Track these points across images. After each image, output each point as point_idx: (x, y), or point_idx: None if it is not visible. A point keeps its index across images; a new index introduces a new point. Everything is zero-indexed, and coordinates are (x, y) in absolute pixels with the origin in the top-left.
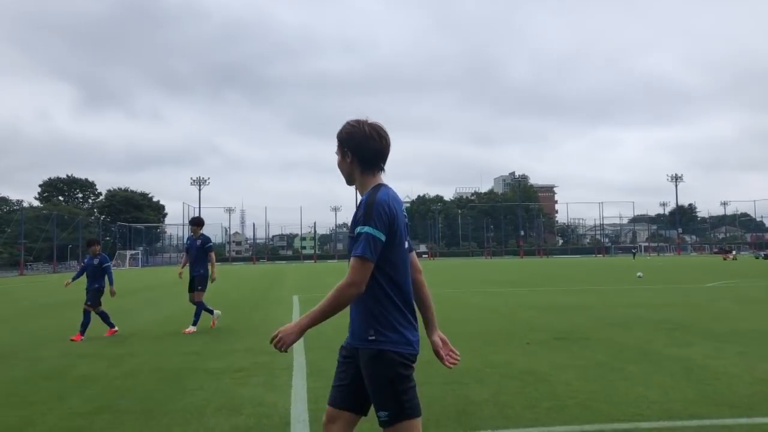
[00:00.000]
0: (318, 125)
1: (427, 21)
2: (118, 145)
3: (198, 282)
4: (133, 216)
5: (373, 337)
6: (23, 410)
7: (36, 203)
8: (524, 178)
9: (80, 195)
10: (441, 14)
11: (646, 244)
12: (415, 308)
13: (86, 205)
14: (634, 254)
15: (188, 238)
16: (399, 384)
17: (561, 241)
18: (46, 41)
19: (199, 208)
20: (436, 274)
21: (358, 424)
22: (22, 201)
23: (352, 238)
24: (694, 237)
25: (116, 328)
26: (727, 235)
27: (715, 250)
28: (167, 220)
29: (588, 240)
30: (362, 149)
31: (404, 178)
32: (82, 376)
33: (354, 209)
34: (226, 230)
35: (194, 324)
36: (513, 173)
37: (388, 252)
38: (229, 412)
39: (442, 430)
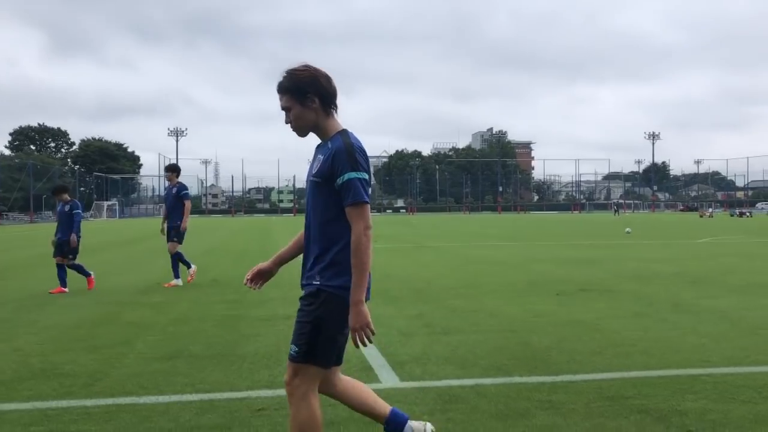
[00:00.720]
0: None
1: None
2: (89, 93)
3: (174, 233)
4: (108, 167)
5: (318, 281)
6: (96, 354)
7: (6, 152)
8: (502, 134)
9: (53, 144)
10: None
11: (621, 201)
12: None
13: (59, 155)
14: (616, 211)
15: (165, 188)
16: (324, 328)
17: (536, 198)
18: None
19: (177, 159)
20: (427, 228)
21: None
22: None
23: (316, 183)
24: (667, 195)
25: (92, 274)
26: (700, 193)
27: (681, 207)
28: (142, 171)
29: (563, 196)
30: (325, 91)
31: (381, 132)
32: (133, 323)
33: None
34: (202, 182)
35: (176, 276)
36: (491, 129)
37: None
38: None
39: (525, 377)
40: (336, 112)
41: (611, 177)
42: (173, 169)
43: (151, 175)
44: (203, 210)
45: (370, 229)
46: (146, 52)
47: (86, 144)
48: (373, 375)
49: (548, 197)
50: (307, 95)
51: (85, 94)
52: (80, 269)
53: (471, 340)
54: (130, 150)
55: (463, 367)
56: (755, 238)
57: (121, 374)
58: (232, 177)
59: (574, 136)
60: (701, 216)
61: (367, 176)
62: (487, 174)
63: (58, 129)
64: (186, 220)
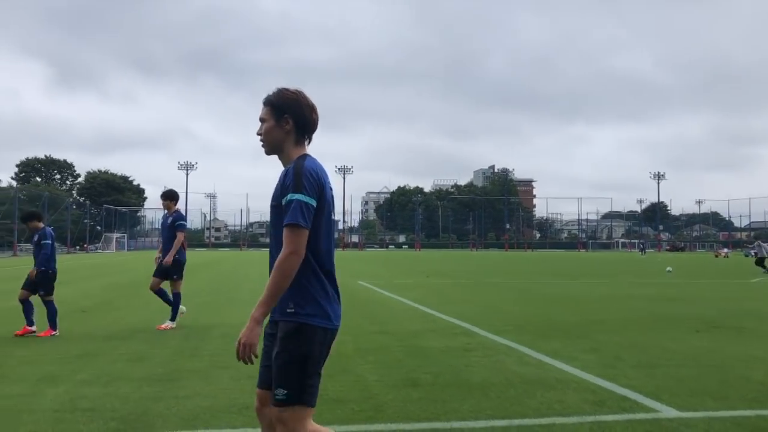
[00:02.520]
0: None
1: (407, 12)
2: (90, 126)
3: (173, 269)
4: (114, 199)
5: (292, 309)
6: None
7: (12, 183)
8: (505, 171)
9: (58, 176)
10: (421, 6)
11: (624, 240)
12: (337, 281)
13: (64, 187)
14: (643, 250)
15: (163, 216)
16: (310, 366)
17: (538, 236)
18: (16, 17)
19: (186, 193)
20: (458, 266)
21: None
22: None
23: (276, 207)
24: (667, 234)
25: (56, 332)
26: (701, 233)
27: (668, 247)
28: (147, 204)
29: (565, 235)
30: (303, 118)
31: (380, 168)
32: None
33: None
34: (205, 216)
35: (172, 319)
36: (493, 167)
37: (314, 221)
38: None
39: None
40: (308, 143)
41: (611, 216)
42: (171, 197)
43: (154, 208)
44: (206, 243)
45: (296, 256)
46: (148, 87)
47: (92, 176)
48: (643, 405)
49: (551, 235)
50: (284, 115)
51: (86, 126)
52: (52, 310)
53: (683, 374)
54: (135, 182)
55: (716, 399)
56: None
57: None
58: (241, 210)
59: (571, 174)
60: (716, 256)
61: (313, 201)
62: (489, 211)
63: (64, 161)
64: (173, 254)
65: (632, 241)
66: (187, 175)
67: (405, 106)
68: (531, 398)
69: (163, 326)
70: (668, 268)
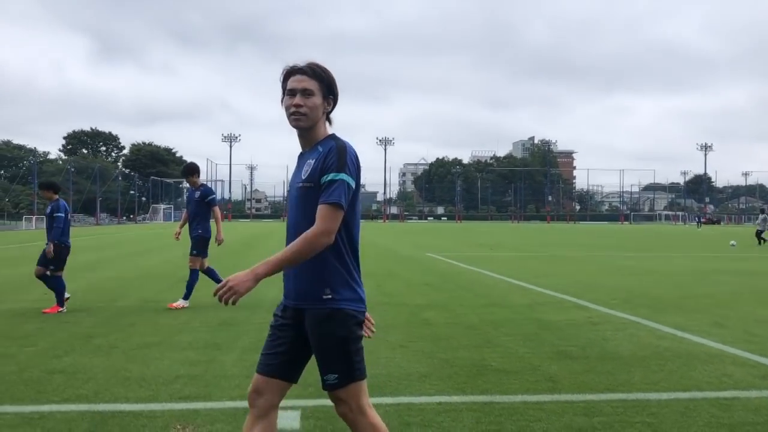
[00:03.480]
0: None
1: None
2: (130, 97)
3: (194, 245)
4: (158, 171)
5: (329, 296)
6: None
7: (61, 155)
8: (546, 143)
9: (104, 148)
10: None
11: (668, 212)
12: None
13: (110, 159)
14: (699, 223)
15: (187, 191)
16: (352, 344)
17: (578, 208)
18: None
19: (230, 165)
20: (517, 237)
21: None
22: (48, 153)
23: (307, 188)
24: (711, 206)
25: (63, 309)
26: (746, 205)
27: (703, 220)
28: None
29: (606, 207)
30: (337, 100)
31: (416, 139)
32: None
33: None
34: (245, 187)
35: (185, 297)
36: (532, 138)
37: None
38: None
39: None
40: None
41: (652, 188)
42: (191, 171)
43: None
44: (247, 215)
45: (328, 236)
46: (186, 58)
47: (137, 148)
48: None
49: (591, 207)
50: (330, 95)
51: (126, 98)
52: (59, 286)
53: None
54: (178, 154)
55: None
56: None
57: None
58: (283, 182)
59: (611, 145)
60: None
61: (353, 183)
62: (529, 183)
63: (109, 133)
64: (221, 231)
65: (676, 213)
66: (230, 147)
67: (441, 76)
68: (695, 371)
69: (175, 305)
70: (732, 242)
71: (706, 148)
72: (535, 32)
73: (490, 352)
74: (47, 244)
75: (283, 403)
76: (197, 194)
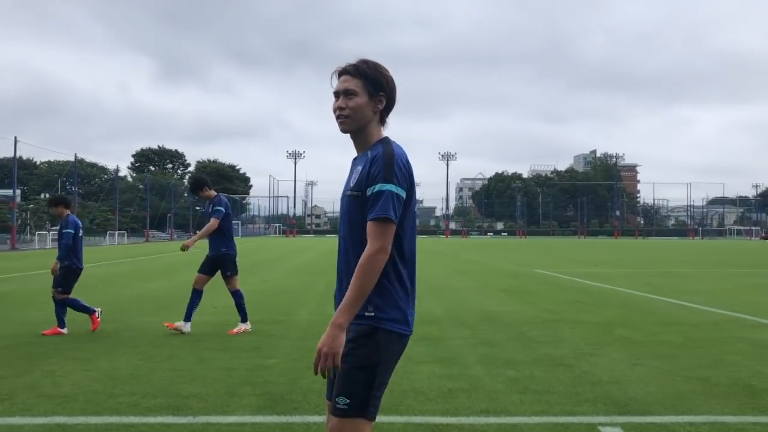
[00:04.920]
0: None
1: None
2: (191, 116)
3: (222, 264)
4: (223, 187)
5: (372, 313)
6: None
7: (131, 173)
8: (610, 156)
9: (170, 165)
10: None
11: (739, 227)
12: (416, 284)
13: (176, 176)
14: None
15: (205, 206)
16: (380, 374)
17: (643, 222)
18: (126, 15)
19: (295, 181)
20: (605, 252)
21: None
22: (118, 170)
23: (355, 197)
24: None
25: (98, 320)
26: None
27: (763, 235)
28: (251, 192)
29: (672, 222)
30: (393, 100)
31: (473, 154)
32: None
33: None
34: (305, 203)
35: (243, 320)
36: (594, 151)
37: (401, 215)
38: None
39: None
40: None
41: (720, 202)
42: (199, 185)
43: (258, 196)
44: (308, 230)
45: (384, 253)
46: (245, 78)
47: (203, 165)
48: None
49: (657, 222)
50: (380, 92)
51: (188, 117)
52: (74, 304)
53: None
54: (242, 171)
55: None
56: None
57: None
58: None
59: (673, 158)
60: None
61: (403, 193)
62: (592, 197)
63: (175, 151)
64: (195, 240)
65: (750, 228)
66: (295, 163)
67: (498, 90)
68: None
69: (236, 330)
70: None
71: None
72: (593, 45)
73: (675, 375)
74: (61, 265)
75: (604, 419)
76: (211, 207)
